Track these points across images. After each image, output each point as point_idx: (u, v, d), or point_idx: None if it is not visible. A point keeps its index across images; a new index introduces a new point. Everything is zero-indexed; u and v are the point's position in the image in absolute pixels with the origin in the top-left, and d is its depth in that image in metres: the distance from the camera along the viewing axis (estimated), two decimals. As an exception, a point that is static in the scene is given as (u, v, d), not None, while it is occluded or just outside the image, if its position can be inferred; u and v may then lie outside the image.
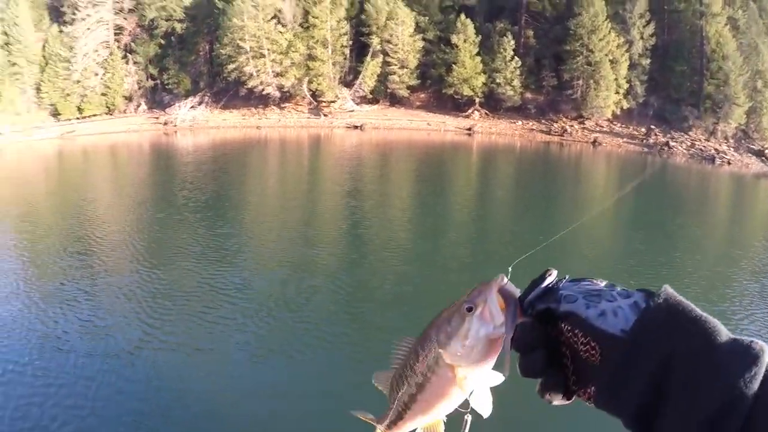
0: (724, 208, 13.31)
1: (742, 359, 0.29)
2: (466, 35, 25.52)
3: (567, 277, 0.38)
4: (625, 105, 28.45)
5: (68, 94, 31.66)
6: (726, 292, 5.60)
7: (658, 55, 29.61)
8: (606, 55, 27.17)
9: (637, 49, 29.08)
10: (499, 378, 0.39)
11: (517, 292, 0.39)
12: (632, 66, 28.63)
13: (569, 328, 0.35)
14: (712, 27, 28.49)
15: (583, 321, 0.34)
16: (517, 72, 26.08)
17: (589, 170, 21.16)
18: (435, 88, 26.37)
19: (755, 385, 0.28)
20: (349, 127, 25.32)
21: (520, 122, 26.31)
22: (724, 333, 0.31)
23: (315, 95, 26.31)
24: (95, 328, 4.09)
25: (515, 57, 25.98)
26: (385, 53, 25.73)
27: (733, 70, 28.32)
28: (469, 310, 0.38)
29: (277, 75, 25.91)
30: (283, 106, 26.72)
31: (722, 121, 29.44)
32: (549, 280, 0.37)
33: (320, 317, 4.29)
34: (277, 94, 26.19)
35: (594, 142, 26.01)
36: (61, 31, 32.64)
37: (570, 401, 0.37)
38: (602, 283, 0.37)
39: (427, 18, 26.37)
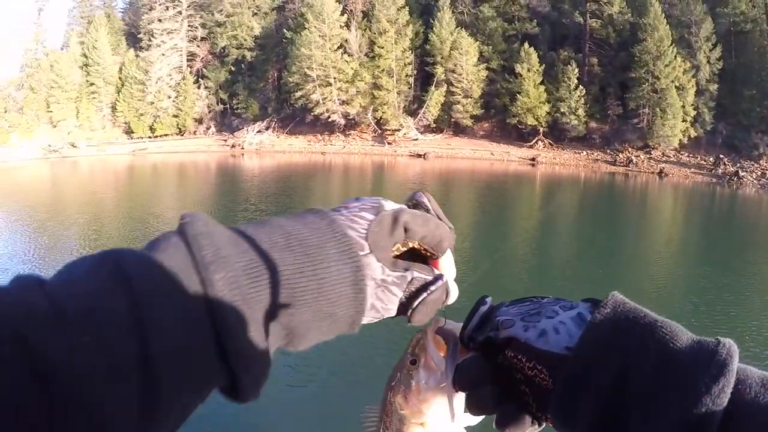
0: None
1: (706, 370, 0.25)
2: (529, 64, 25.60)
3: (505, 302, 0.35)
4: (693, 133, 27.47)
5: (141, 114, 34.24)
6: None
7: (726, 79, 28.47)
8: (672, 81, 26.43)
9: (704, 74, 28.09)
10: (471, 419, 0.36)
11: (457, 330, 0.35)
12: (699, 92, 27.66)
13: (512, 354, 0.31)
14: None
15: (523, 344, 0.30)
16: (582, 101, 25.84)
17: (655, 203, 20.56)
18: (499, 117, 26.52)
19: (724, 399, 0.24)
20: (412, 156, 25.88)
21: (584, 152, 25.96)
22: (685, 338, 0.27)
23: (379, 123, 27.08)
24: None
25: (579, 85, 25.77)
26: (449, 83, 26.20)
27: None
28: (413, 363, 0.35)
29: (343, 103, 26.93)
30: (348, 133, 27.71)
31: None
32: (482, 308, 0.34)
33: (367, 349, 4.30)
34: (343, 121, 27.19)
35: (660, 173, 25.26)
36: (137, 56, 35.44)
37: (541, 428, 0.33)
38: (545, 299, 0.34)
39: (491, 47, 26.66)
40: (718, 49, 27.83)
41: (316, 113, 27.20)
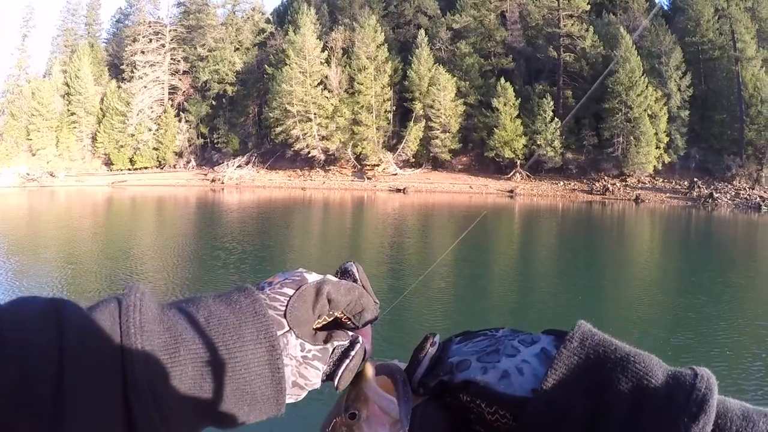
0: None
1: (684, 408, 0.23)
2: (506, 98, 26.20)
3: (455, 339, 0.31)
4: (667, 159, 28.25)
5: (122, 146, 34.04)
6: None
7: (697, 105, 29.52)
8: (645, 110, 27.28)
9: (676, 102, 29.08)
10: None
11: (395, 370, 0.32)
12: (671, 119, 28.58)
13: (468, 399, 0.28)
14: (748, 71, 28.38)
15: (483, 388, 0.27)
16: (557, 133, 26.43)
17: (633, 229, 20.87)
18: (477, 151, 26.96)
19: None
20: (392, 190, 26.02)
21: (561, 183, 26.42)
22: (660, 372, 0.25)
23: (359, 158, 27.32)
24: None
25: (555, 118, 26.41)
26: (428, 118, 26.63)
27: None
28: (352, 417, 0.31)
29: (323, 138, 27.13)
30: (327, 168, 27.83)
31: (766, 166, 28.74)
32: (431, 349, 0.31)
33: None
34: (323, 156, 27.35)
35: (636, 199, 25.80)
36: (119, 87, 35.45)
37: None
38: (500, 332, 0.31)
39: (468, 83, 27.27)
40: (688, 76, 28.93)
41: (296, 148, 27.34)
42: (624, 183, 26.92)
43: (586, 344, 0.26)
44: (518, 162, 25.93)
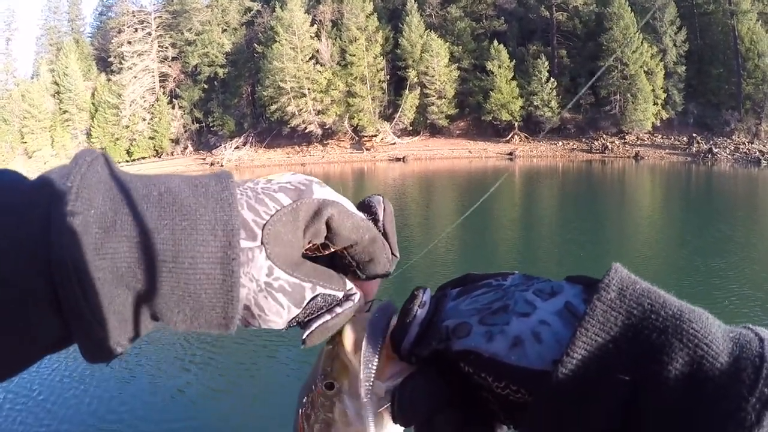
0: None
1: (754, 389, 0.17)
2: (500, 61, 25.91)
3: (451, 293, 0.25)
4: (665, 115, 28.04)
5: (117, 139, 33.81)
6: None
7: (693, 60, 29.17)
8: (641, 66, 26.98)
9: (672, 57, 28.73)
10: None
11: (380, 322, 0.25)
12: (668, 75, 28.29)
13: (470, 370, 0.22)
14: (744, 25, 27.95)
15: (489, 361, 0.21)
16: (554, 93, 26.22)
17: (633, 186, 20.91)
18: (474, 115, 26.77)
19: None
20: (391, 160, 25.95)
21: (560, 143, 26.33)
22: (721, 336, 0.19)
23: (356, 130, 27.12)
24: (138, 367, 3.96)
25: (551, 78, 26.15)
26: (423, 85, 26.38)
27: None
28: (329, 387, 0.26)
29: (319, 113, 26.91)
30: (325, 142, 27.69)
31: (765, 120, 28.58)
32: (420, 311, 0.24)
33: None
34: (320, 131, 27.18)
35: (636, 157, 25.72)
36: (109, 80, 35.02)
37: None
38: (509, 280, 0.24)
39: (461, 47, 26.93)
40: (683, 31, 28.51)
41: (292, 125, 27.15)
42: (623, 141, 26.82)
43: (626, 296, 0.20)
44: (516, 124, 25.81)
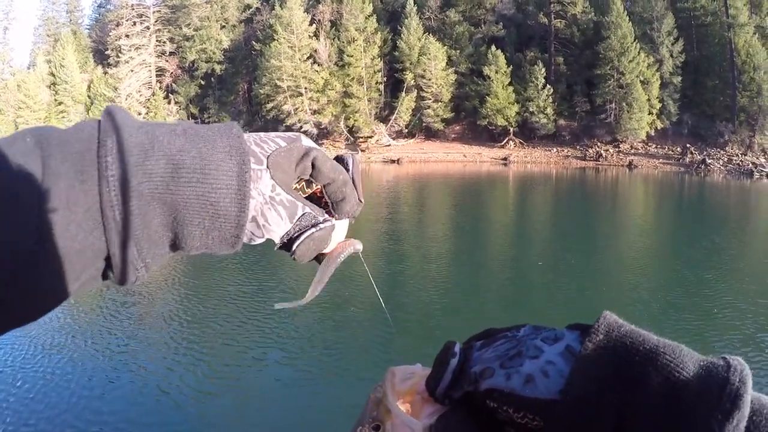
0: (765, 222, 13.11)
1: (717, 403, 0.21)
2: (497, 66, 25.98)
3: (476, 345, 0.30)
4: (659, 125, 28.24)
5: (112, 132, 33.58)
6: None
7: (689, 71, 29.42)
8: (637, 76, 27.16)
9: (668, 68, 28.96)
10: None
11: (418, 375, 0.31)
12: (664, 85, 28.51)
13: (495, 405, 0.27)
14: (741, 38, 28.20)
15: (509, 395, 0.27)
16: (550, 99, 26.32)
17: (626, 195, 20.99)
18: (469, 119, 26.84)
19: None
20: (386, 162, 25.94)
21: (554, 149, 26.43)
22: (692, 363, 0.23)
23: (352, 131, 27.14)
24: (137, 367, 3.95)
25: (547, 85, 26.26)
26: (419, 88, 26.41)
27: (765, 79, 27.85)
28: (376, 429, 0.30)
29: (315, 113, 26.88)
30: (320, 142, 27.67)
31: (758, 133, 28.83)
32: (453, 361, 0.29)
33: (353, 352, 4.30)
34: (315, 131, 27.14)
35: (630, 165, 25.87)
36: (105, 73, 34.80)
37: None
38: (521, 331, 0.30)
39: (459, 51, 26.99)
40: (680, 42, 28.74)
41: (288, 124, 27.10)
42: (617, 149, 26.96)
43: (612, 337, 0.25)
44: (511, 129, 25.87)
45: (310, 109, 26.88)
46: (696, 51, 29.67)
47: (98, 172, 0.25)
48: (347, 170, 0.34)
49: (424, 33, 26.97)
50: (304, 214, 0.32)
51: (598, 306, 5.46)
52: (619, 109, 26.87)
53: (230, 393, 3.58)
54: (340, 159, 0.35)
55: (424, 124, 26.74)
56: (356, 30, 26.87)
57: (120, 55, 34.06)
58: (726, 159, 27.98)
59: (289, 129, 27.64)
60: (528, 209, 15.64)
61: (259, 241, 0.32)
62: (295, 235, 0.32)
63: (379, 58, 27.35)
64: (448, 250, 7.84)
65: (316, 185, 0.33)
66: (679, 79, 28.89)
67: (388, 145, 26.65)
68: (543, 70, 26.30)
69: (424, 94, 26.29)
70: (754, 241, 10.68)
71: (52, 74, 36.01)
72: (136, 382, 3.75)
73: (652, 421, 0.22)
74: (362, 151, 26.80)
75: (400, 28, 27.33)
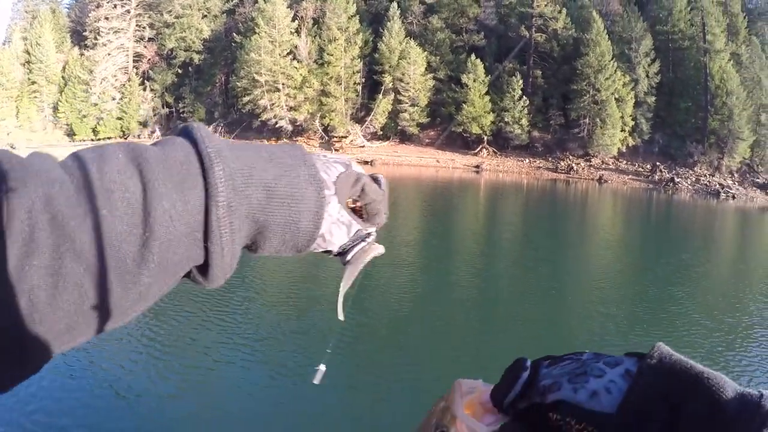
0: (730, 242, 13.45)
1: (752, 420, 0.26)
2: (476, 75, 26.20)
3: (544, 363, 0.34)
4: (631, 142, 28.88)
5: (84, 116, 32.56)
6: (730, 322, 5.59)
7: (664, 92, 30.19)
8: (612, 93, 27.74)
9: (643, 87, 29.68)
10: None
11: (480, 389, 0.35)
12: (638, 104, 29.18)
13: (558, 417, 0.30)
14: (716, 63, 29.08)
15: (575, 407, 0.30)
16: (525, 111, 26.66)
17: (595, 208, 21.33)
18: (444, 126, 26.99)
19: None
20: (359, 162, 25.25)
21: (527, 160, 26.75)
22: (731, 389, 0.27)
23: (327, 130, 26.95)
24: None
25: (523, 96, 26.60)
26: (397, 91, 26.43)
27: (736, 105, 28.74)
28: None
29: (291, 109, 26.61)
30: (295, 139, 27.38)
31: (727, 155, 29.74)
32: (524, 374, 0.33)
33: (330, 357, 4.19)
34: (290, 127, 26.86)
35: (600, 180, 26.34)
36: (82, 54, 33.76)
37: None
38: (584, 356, 0.33)
39: (439, 58, 27.13)
40: (656, 64, 29.50)
41: (263, 119, 26.74)
42: (588, 163, 27.46)
43: (664, 362, 0.29)
44: (485, 138, 26.10)
45: (286, 105, 26.60)
46: (671, 73, 30.52)
47: (206, 194, 0.29)
48: (381, 189, 0.41)
49: (406, 37, 27.03)
50: (358, 230, 0.39)
51: (565, 316, 5.47)
52: (592, 124, 27.39)
53: (193, 395, 3.40)
54: (375, 179, 0.42)
55: (399, 128, 26.77)
56: (338, 29, 26.75)
57: (98, 37, 33.13)
58: (694, 179, 28.78)
59: (264, 124, 27.29)
60: (498, 217, 15.74)
61: (318, 249, 0.38)
62: (349, 246, 0.39)
63: (359, 59, 27.28)
64: (418, 255, 7.75)
65: (358, 202, 0.40)
66: (654, 99, 29.65)
67: (362, 146, 26.57)
68: (521, 81, 26.65)
69: (402, 98, 26.34)
70: (721, 260, 10.94)
71: (27, 52, 34.75)
72: (93, 383, 3.52)
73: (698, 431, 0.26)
74: (336, 150, 26.66)
75: (382, 30, 27.33)
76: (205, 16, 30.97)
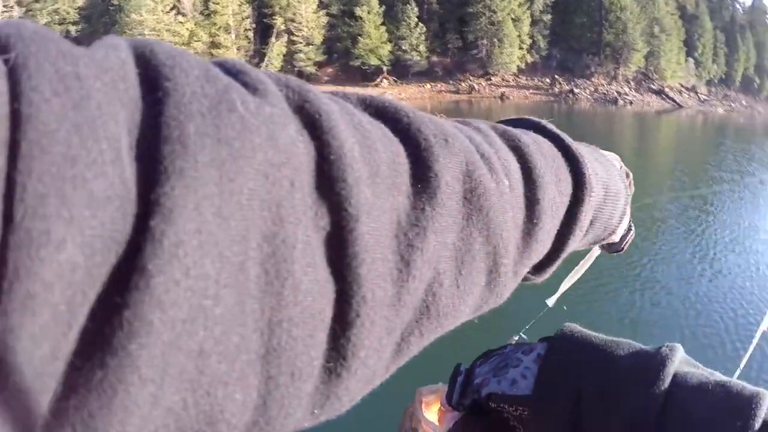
0: (630, 143, 14.86)
1: (644, 374, 0.28)
2: (369, 7, 26.28)
3: (479, 363, 0.39)
4: (530, 59, 30.39)
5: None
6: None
7: (559, 10, 31.61)
8: (508, 14, 28.76)
9: (538, 6, 30.95)
10: None
11: (438, 392, 0.41)
12: (534, 22, 30.45)
13: (495, 405, 0.36)
14: None
15: (502, 396, 0.35)
16: (423, 38, 27.26)
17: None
18: (342, 61, 27.04)
19: (659, 399, 0.28)
20: (264, 110, 25.54)
21: (428, 85, 27.65)
22: (626, 352, 0.31)
23: (225, 82, 26.23)
24: None
25: (419, 23, 27.10)
26: (290, 32, 26.05)
27: (630, 19, 30.70)
28: None
29: (184, 66, 25.59)
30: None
31: (622, 65, 32.06)
32: (460, 378, 0.39)
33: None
34: (187, 85, 25.91)
35: (502, 97, 27.78)
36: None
37: None
38: (507, 349, 0.39)
39: (329, -7, 26.85)
40: (551, -18, 30.45)
41: (157, 80, 25.61)
42: (489, 82, 28.79)
43: (566, 339, 0.34)
44: (384, 68, 26.60)
45: (179, 63, 25.56)
46: (566, -10, 31.74)
47: (585, 191, 0.27)
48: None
49: (293, -24, 26.43)
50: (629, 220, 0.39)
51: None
52: (490, 45, 28.46)
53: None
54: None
55: (296, 69, 26.64)
56: (220, -24, 25.69)
57: (-39, 24, 29.75)
58: (593, 89, 30.94)
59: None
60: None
61: (603, 241, 0.37)
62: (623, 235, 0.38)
63: (248, 4, 26.46)
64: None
65: None
66: (549, 17, 30.95)
67: (265, 93, 26.22)
68: (416, 9, 27.01)
69: (295, 38, 26.04)
70: (625, 161, 11.93)
71: None
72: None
73: (597, 394, 0.31)
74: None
75: (266, -28, 26.53)
76: (76, -19, 28.52)
